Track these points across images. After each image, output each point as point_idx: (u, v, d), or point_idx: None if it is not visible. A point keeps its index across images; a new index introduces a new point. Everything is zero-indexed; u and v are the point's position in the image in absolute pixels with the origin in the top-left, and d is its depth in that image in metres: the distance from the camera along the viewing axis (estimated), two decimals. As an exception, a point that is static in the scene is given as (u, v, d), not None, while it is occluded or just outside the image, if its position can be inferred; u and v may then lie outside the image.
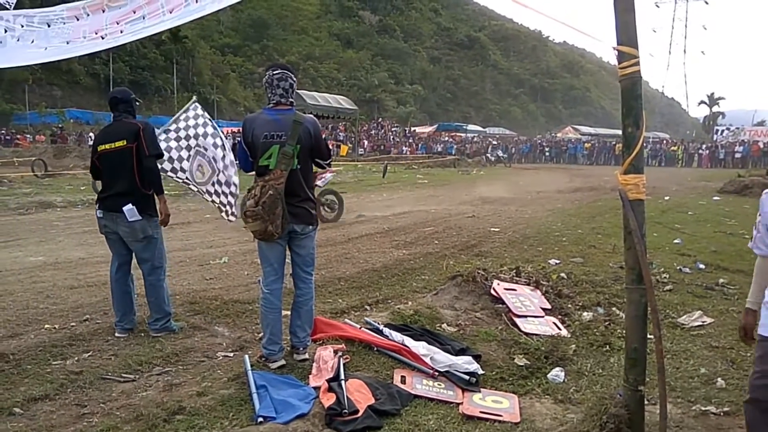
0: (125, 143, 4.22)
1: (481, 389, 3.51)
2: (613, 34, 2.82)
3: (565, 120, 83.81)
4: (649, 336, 2.85)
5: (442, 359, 3.70)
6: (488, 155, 37.02)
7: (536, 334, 4.34)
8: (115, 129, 4.34)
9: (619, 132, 2.90)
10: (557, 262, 6.86)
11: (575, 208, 13.30)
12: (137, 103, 4.56)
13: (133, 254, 4.41)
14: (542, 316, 4.68)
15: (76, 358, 3.87)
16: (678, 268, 6.52)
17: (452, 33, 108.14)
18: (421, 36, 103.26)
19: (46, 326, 4.49)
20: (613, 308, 5.00)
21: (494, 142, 44.46)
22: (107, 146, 4.27)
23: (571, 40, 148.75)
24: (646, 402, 2.85)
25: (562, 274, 5.86)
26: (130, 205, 4.17)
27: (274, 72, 3.65)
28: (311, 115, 3.87)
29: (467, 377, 3.57)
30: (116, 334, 4.31)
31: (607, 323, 4.64)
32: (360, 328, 4.27)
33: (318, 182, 9.74)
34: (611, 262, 6.70)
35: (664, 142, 44.82)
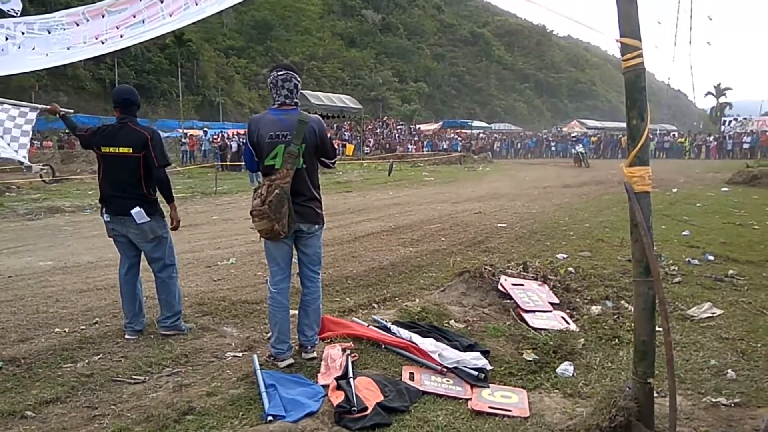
0: (131, 151, 4.19)
1: (490, 385, 3.50)
2: (616, 26, 2.81)
3: (571, 114, 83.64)
4: (658, 328, 2.84)
5: (451, 355, 3.70)
6: (574, 151, 30.77)
7: (544, 329, 4.32)
8: (121, 133, 4.25)
9: (626, 125, 2.89)
10: (565, 256, 6.84)
11: (582, 202, 13.24)
12: (138, 101, 4.46)
13: (143, 255, 4.44)
14: (550, 311, 4.67)
15: (87, 361, 3.90)
16: (687, 260, 6.48)
17: (455, 29, 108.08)
18: (424, 33, 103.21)
19: (57, 330, 4.53)
20: (622, 301, 4.97)
21: (574, 134, 36.10)
22: (111, 149, 4.23)
23: (575, 34, 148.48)
24: (655, 394, 2.84)
25: (570, 269, 5.84)
26: (138, 208, 4.18)
27: (279, 73, 3.66)
28: (316, 115, 3.88)
29: (476, 373, 3.57)
30: (126, 336, 4.34)
31: (615, 317, 4.62)
32: (368, 326, 4.28)
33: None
34: (619, 256, 6.66)
35: (671, 134, 44.53)
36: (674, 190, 14.81)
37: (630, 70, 2.80)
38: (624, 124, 2.94)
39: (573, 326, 4.45)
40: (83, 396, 3.39)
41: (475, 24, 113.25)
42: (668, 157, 37.78)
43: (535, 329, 4.33)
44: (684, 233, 8.19)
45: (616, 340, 4.17)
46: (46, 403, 3.29)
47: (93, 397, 3.37)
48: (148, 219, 4.23)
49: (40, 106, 4.85)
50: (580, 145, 31.50)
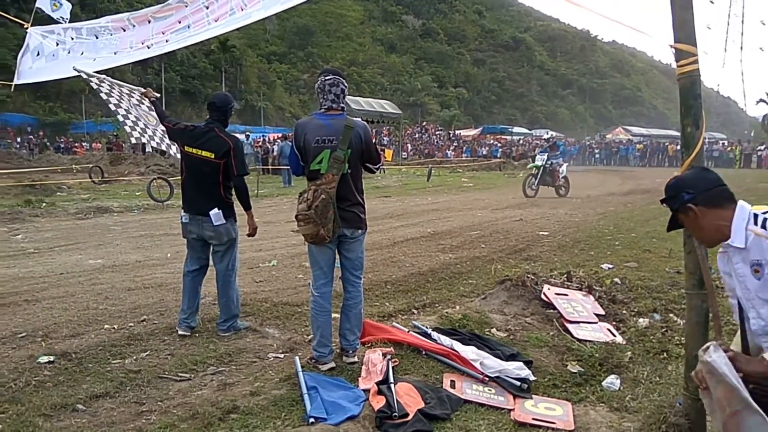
0: (213, 156, 4.30)
1: (533, 396, 3.44)
2: (668, 31, 2.76)
3: (615, 121, 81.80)
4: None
5: (492, 364, 3.65)
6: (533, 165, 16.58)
7: (590, 341, 4.22)
8: (206, 138, 4.35)
9: (674, 132, 2.86)
10: (610, 266, 6.68)
11: (628, 211, 12.92)
12: (231, 110, 4.60)
13: (210, 256, 4.56)
14: (596, 322, 4.56)
15: (135, 357, 4.00)
16: (739, 272, 6.22)
17: (497, 35, 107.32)
18: (464, 39, 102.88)
19: (106, 326, 4.66)
20: (671, 315, 4.82)
21: (547, 137, 18.99)
22: (194, 150, 4.35)
23: (620, 39, 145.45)
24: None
25: (616, 279, 5.69)
26: (216, 210, 4.31)
27: (326, 77, 3.69)
28: (362, 120, 3.90)
29: (518, 383, 3.51)
30: (179, 332, 4.43)
31: (664, 330, 4.48)
32: (408, 331, 4.27)
33: None
34: (667, 267, 6.46)
35: (720, 142, 43.05)
36: (725, 200, 14.26)
37: (685, 77, 2.74)
38: (671, 132, 2.88)
39: (619, 339, 4.34)
40: (131, 391, 3.48)
41: (516, 29, 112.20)
42: (717, 166, 36.34)
43: (579, 340, 4.23)
44: (736, 245, 7.87)
45: (665, 354, 4.04)
46: (96, 398, 3.38)
47: (140, 393, 3.46)
48: (225, 221, 4.35)
49: (138, 88, 5.20)
50: (543, 156, 15.90)
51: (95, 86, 5.12)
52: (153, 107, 5.00)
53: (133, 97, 5.30)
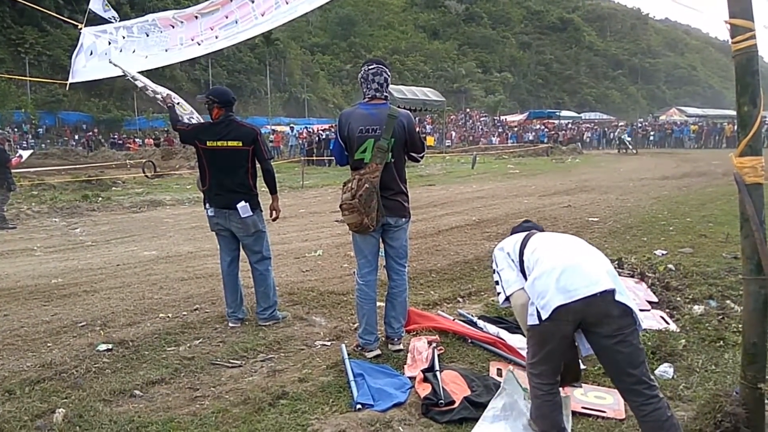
0: (241, 144, 4.35)
1: (583, 384, 3.37)
2: (723, 6, 2.64)
3: (669, 101, 78.64)
4: (770, 330, 2.63)
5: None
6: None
7: (642, 329, 4.10)
8: (229, 128, 4.38)
9: (731, 112, 2.73)
10: (664, 252, 6.46)
11: (683, 195, 12.45)
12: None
13: (241, 248, 4.62)
14: (648, 310, 4.42)
15: (188, 345, 4.14)
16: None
17: (543, 16, 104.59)
18: (509, 22, 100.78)
19: (161, 315, 4.83)
20: (727, 301, 4.64)
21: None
22: (219, 143, 4.36)
23: (674, 16, 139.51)
24: (766, 401, 2.64)
25: (670, 266, 5.51)
26: (243, 202, 4.35)
27: (369, 67, 3.69)
28: (406, 110, 3.88)
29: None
30: (230, 324, 4.54)
31: (720, 317, 4.31)
32: (453, 319, 4.26)
33: None
34: (724, 252, 6.21)
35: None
36: (788, 181, 13.55)
37: (741, 53, 2.64)
38: (728, 111, 2.76)
39: (673, 326, 4.21)
40: (185, 378, 3.61)
41: (564, 9, 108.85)
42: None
43: (631, 328, 4.11)
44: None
45: (721, 341, 3.90)
46: (153, 384, 3.53)
47: (194, 379, 3.59)
48: (251, 213, 4.39)
49: (161, 91, 5.28)
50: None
51: (131, 80, 5.29)
52: (170, 111, 4.98)
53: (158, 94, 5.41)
